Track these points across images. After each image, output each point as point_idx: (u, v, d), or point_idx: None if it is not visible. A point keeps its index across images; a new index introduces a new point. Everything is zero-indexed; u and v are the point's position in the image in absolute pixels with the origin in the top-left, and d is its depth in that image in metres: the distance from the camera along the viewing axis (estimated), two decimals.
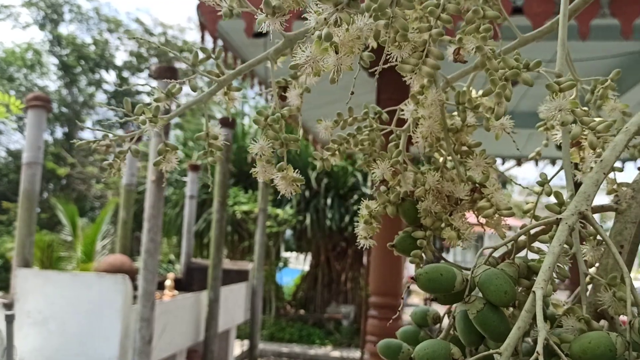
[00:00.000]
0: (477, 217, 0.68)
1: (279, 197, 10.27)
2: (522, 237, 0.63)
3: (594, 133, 0.51)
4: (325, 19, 0.43)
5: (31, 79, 20.26)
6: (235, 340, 7.80)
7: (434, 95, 0.68)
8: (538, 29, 0.75)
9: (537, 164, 6.94)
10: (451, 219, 0.66)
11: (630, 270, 0.70)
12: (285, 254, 11.92)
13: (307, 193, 10.35)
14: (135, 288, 4.61)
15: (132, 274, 4.92)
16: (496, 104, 0.51)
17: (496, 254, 0.60)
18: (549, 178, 0.63)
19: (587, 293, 0.59)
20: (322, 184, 10.30)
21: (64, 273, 5.13)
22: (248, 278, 7.65)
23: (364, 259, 11.02)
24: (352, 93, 0.62)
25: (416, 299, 15.83)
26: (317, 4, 0.42)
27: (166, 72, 4.50)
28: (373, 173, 0.69)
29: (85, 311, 4.26)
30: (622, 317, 0.55)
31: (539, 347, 0.46)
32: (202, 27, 3.90)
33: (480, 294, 0.54)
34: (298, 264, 12.95)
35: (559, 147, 0.70)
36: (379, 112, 0.78)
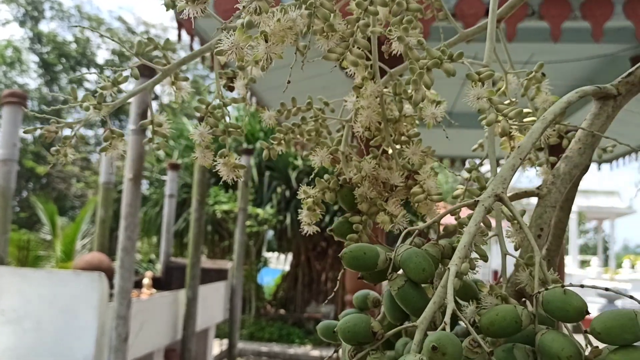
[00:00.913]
0: (412, 203, 0.71)
1: (259, 196, 10.28)
2: (453, 222, 0.66)
3: (505, 119, 0.54)
4: (245, 6, 0.46)
5: (10, 77, 20.03)
6: (215, 339, 7.79)
7: (373, 86, 0.71)
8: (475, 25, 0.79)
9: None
10: (385, 204, 0.69)
11: (558, 253, 0.73)
12: (266, 254, 11.92)
13: (287, 193, 10.36)
14: (112, 286, 4.60)
15: (110, 272, 4.91)
16: (413, 90, 0.54)
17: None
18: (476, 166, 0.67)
19: (509, 273, 0.62)
20: (303, 184, 10.32)
21: (40, 271, 5.09)
22: (227, 277, 7.64)
23: None
24: (289, 82, 0.65)
25: None
26: None
27: (144, 71, 4.49)
28: (313, 160, 0.72)
29: (61, 309, 4.24)
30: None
31: (447, 318, 0.49)
32: (179, 26, 3.91)
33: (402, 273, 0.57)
34: (279, 263, 12.96)
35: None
36: (326, 103, 0.81)
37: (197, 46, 4.32)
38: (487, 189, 0.57)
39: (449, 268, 0.54)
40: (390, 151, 0.75)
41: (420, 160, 0.72)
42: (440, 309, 0.54)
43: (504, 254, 0.61)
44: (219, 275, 7.45)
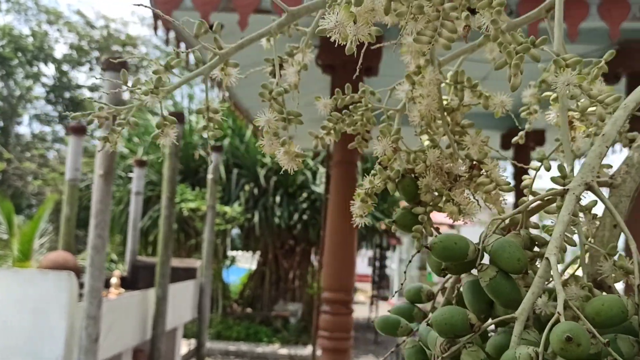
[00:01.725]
0: (474, 194, 0.70)
1: (227, 194, 10.18)
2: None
3: (602, 105, 0.53)
4: None
5: None
6: (182, 339, 7.68)
7: (432, 74, 0.70)
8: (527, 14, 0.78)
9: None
10: (452, 194, 0.67)
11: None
12: (232, 252, 11.81)
13: (255, 191, 10.29)
14: (80, 286, 4.47)
15: (77, 272, 4.77)
16: (513, 75, 0.52)
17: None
18: (546, 155, 0.66)
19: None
20: (271, 182, 10.27)
21: (5, 270, 4.92)
22: (196, 276, 7.54)
23: (312, 257, 11.06)
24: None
25: (362, 296, 16.01)
26: None
27: (117, 65, 4.38)
28: (375, 150, 0.69)
29: (29, 309, 4.10)
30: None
31: (560, 308, 0.48)
32: (155, 18, 3.83)
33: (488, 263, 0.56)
34: (245, 262, 12.87)
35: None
36: (372, 93, 0.78)
37: (184, 43, 4.23)
38: (576, 177, 0.56)
39: (547, 258, 0.52)
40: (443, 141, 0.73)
41: (480, 149, 0.70)
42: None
43: (583, 244, 0.60)
44: (188, 274, 7.34)
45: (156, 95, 0.62)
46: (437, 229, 0.71)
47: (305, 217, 10.17)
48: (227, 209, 9.78)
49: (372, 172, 0.74)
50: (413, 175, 0.70)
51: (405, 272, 0.77)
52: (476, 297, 0.57)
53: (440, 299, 0.73)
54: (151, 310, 5.84)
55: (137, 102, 0.64)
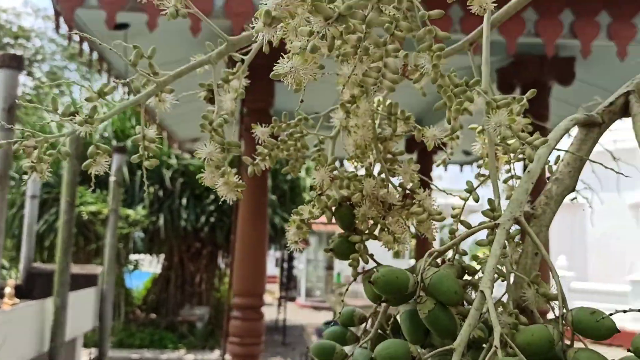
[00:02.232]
0: (405, 221, 0.72)
1: (130, 197, 9.83)
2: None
3: (530, 146, 0.57)
4: (311, 31, 0.44)
5: None
6: (82, 348, 7.33)
7: (367, 105, 0.72)
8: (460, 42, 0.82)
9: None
10: (387, 223, 0.69)
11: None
12: (135, 256, 11.41)
13: (160, 193, 10.00)
14: None
15: None
16: (453, 118, 0.55)
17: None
18: (474, 186, 0.70)
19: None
20: (177, 184, 10.03)
21: None
22: (97, 283, 7.22)
23: (220, 260, 10.91)
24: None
25: (269, 298, 16.00)
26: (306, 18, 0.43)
27: (11, 61, 4.11)
28: (313, 179, 0.70)
29: None
30: None
31: (496, 342, 0.51)
32: (57, 15, 3.63)
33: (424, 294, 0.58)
34: (149, 266, 12.48)
35: (466, 152, 0.77)
36: (305, 119, 0.80)
37: (87, 41, 4.03)
38: (506, 212, 0.60)
39: (482, 291, 0.55)
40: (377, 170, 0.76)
41: (411, 178, 0.73)
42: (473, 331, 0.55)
43: (509, 272, 0.64)
44: (89, 281, 7.01)
45: (91, 124, 0.60)
46: (371, 256, 0.73)
47: (212, 219, 10.01)
48: (130, 212, 9.44)
49: (308, 199, 0.75)
50: (349, 203, 0.72)
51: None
52: (414, 327, 0.60)
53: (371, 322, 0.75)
54: (49, 321, 5.53)
55: (70, 131, 0.61)
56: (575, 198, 1.57)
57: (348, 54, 0.55)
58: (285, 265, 13.37)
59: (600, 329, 0.52)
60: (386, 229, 0.70)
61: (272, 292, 16.91)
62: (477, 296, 0.55)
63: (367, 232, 0.71)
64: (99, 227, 9.10)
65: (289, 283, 13.52)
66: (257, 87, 4.33)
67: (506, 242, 0.68)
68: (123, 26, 3.83)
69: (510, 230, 0.60)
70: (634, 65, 3.64)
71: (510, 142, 0.59)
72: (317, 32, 0.44)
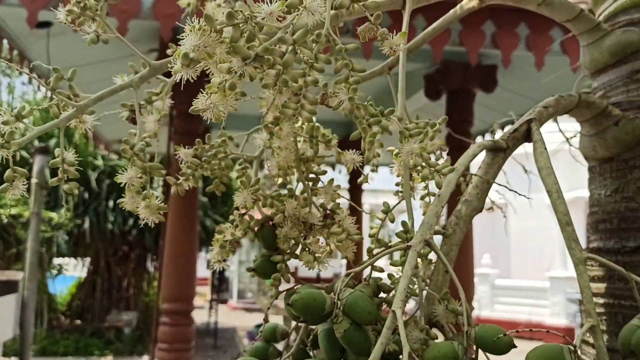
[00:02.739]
0: (327, 241, 0.75)
1: (53, 199, 9.45)
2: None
3: (439, 174, 0.61)
4: (230, 69, 0.46)
5: None
6: (2, 358, 6.99)
7: (289, 127, 0.74)
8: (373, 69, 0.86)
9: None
10: (308, 243, 0.72)
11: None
12: (58, 260, 10.98)
13: (86, 195, 9.67)
14: None
15: None
16: (368, 149, 0.58)
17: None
18: (391, 207, 0.73)
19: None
20: (104, 185, 9.73)
21: None
22: (17, 289, 6.90)
23: (149, 263, 10.66)
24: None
25: (200, 300, 15.77)
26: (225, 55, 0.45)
27: None
28: (236, 201, 0.72)
29: None
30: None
31: (404, 355, 0.54)
32: None
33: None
34: (75, 270, 12.04)
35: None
36: (230, 138, 0.81)
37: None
38: (417, 235, 0.64)
39: (393, 311, 0.59)
40: (299, 190, 0.78)
41: (332, 198, 0.76)
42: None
43: (422, 289, 0.68)
44: (8, 287, 6.69)
45: (8, 149, 0.59)
46: (293, 274, 0.75)
47: (141, 222, 9.76)
48: (53, 214, 9.08)
49: (231, 218, 0.76)
50: (271, 224, 0.74)
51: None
52: (331, 345, 0.63)
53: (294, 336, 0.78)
54: None
55: None
56: (491, 208, 1.66)
57: (268, 85, 0.57)
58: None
59: (499, 345, 0.56)
60: (307, 249, 0.72)
61: (203, 294, 16.68)
62: (389, 316, 0.59)
63: (288, 251, 0.73)
64: (19, 230, 8.70)
65: (220, 285, 13.38)
66: (187, 86, 4.29)
67: (419, 259, 0.73)
68: (45, 25, 3.70)
69: (422, 253, 0.63)
70: (550, 75, 3.84)
71: (421, 168, 0.63)
72: (235, 71, 0.46)
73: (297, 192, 0.77)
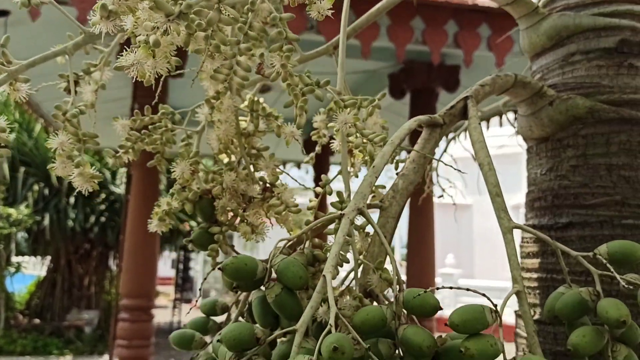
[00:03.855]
0: (267, 214, 0.76)
1: (12, 195, 9.23)
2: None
3: (371, 143, 0.61)
4: (154, 26, 0.46)
5: None
6: None
7: (230, 101, 0.74)
8: (322, 47, 0.86)
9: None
10: (246, 215, 0.72)
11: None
12: (17, 259, 10.72)
13: (46, 191, 9.47)
14: None
15: None
16: (299, 115, 0.59)
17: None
18: (329, 180, 0.74)
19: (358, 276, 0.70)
20: (64, 182, 9.53)
21: None
22: None
23: (111, 261, 10.49)
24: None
25: (164, 300, 15.59)
26: (148, 13, 0.45)
27: None
28: (173, 171, 0.72)
29: None
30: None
31: (331, 321, 0.55)
32: None
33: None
34: (33, 269, 11.77)
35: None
36: (171, 113, 0.81)
37: None
38: (350, 204, 0.65)
39: (324, 275, 0.60)
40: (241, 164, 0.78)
41: (273, 173, 0.76)
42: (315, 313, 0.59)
43: (357, 260, 0.69)
44: None
45: None
46: (231, 247, 0.75)
47: (103, 219, 9.61)
48: (12, 210, 8.86)
49: (171, 191, 0.76)
50: (210, 196, 0.74)
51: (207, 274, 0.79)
52: (264, 312, 0.63)
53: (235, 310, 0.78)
54: None
55: None
56: (442, 196, 1.68)
57: (200, 51, 0.57)
58: (181, 266, 13.08)
59: (425, 306, 0.57)
60: (245, 221, 0.72)
61: (167, 294, 16.48)
62: (320, 281, 0.59)
63: (227, 223, 0.73)
64: None
65: (184, 284, 13.25)
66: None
67: (357, 232, 0.73)
68: (3, 13, 3.61)
69: (356, 221, 0.64)
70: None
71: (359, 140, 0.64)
72: (158, 27, 0.46)
73: (238, 166, 0.77)
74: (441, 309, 0.58)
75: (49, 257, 10.40)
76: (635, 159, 0.77)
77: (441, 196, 1.73)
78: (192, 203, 0.73)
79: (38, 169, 9.53)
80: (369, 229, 0.74)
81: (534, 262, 0.81)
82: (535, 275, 0.81)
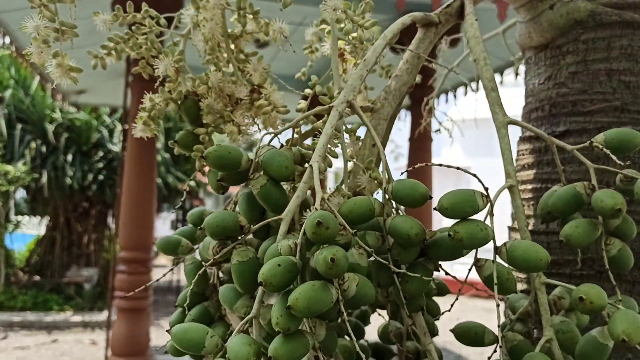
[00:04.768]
0: (255, 118, 0.73)
1: (9, 152, 9.19)
2: (296, 136, 0.70)
3: (363, 29, 0.59)
4: None
5: None
6: None
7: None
8: None
9: None
10: (232, 115, 0.70)
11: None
12: (16, 217, 10.75)
13: (43, 148, 9.42)
14: None
15: None
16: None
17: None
18: (318, 80, 0.71)
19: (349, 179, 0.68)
20: (62, 139, 9.47)
21: None
22: None
23: (109, 220, 10.52)
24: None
25: (164, 259, 15.72)
26: None
27: None
28: (156, 68, 0.69)
29: None
30: None
31: (317, 205, 0.53)
32: None
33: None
34: (33, 229, 11.81)
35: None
36: (156, 17, 0.77)
37: None
38: (340, 96, 0.62)
39: (311, 165, 0.58)
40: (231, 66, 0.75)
41: (262, 76, 0.74)
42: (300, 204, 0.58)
43: (346, 160, 0.67)
44: None
45: None
46: None
47: (101, 177, 9.58)
48: (9, 168, 8.83)
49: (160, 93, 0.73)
50: (196, 98, 0.72)
51: None
52: (250, 206, 0.61)
53: None
54: None
55: None
56: (439, 130, 1.66)
57: None
58: (180, 225, 13.13)
59: (414, 195, 0.55)
60: (231, 121, 0.70)
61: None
62: (306, 171, 0.57)
63: (213, 125, 0.71)
64: None
65: None
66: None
67: (347, 135, 0.71)
68: None
69: (343, 114, 0.62)
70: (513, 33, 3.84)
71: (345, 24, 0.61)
72: None
73: (227, 65, 0.74)
74: (431, 197, 0.56)
75: (48, 217, 10.42)
76: (636, 64, 0.74)
77: (438, 130, 1.71)
78: (176, 103, 0.70)
79: (35, 126, 9.46)
80: (360, 132, 0.72)
81: (529, 173, 0.79)
82: (530, 187, 0.79)
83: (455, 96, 6.41)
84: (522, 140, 0.82)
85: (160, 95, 0.69)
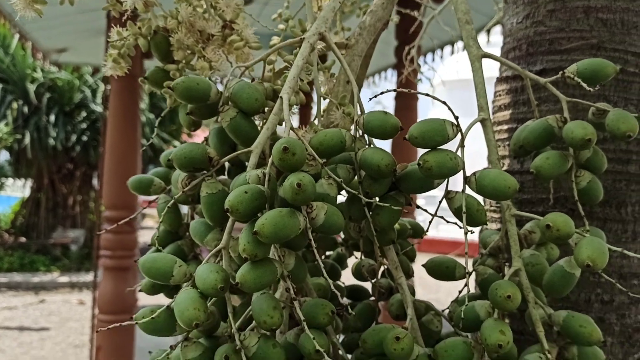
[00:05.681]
0: (227, 53, 0.72)
1: None
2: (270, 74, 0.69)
3: None
4: None
5: None
6: None
7: None
8: None
9: None
10: (204, 51, 0.68)
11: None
12: (0, 180, 10.66)
13: (25, 108, 9.27)
14: None
15: None
16: None
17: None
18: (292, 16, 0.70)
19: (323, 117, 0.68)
20: (44, 99, 9.32)
21: None
22: None
23: (94, 181, 10.45)
24: None
25: (150, 221, 15.72)
26: None
27: None
28: (125, 2, 0.67)
29: None
30: None
31: (286, 132, 0.52)
32: None
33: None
34: (17, 190, 11.71)
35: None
36: None
37: None
38: (312, 28, 0.61)
39: (281, 97, 0.57)
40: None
41: (234, 11, 0.72)
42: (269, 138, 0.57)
43: (320, 96, 0.66)
44: None
45: None
46: None
47: (85, 138, 9.48)
48: None
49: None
50: (166, 33, 0.70)
51: None
52: (220, 141, 0.61)
53: None
54: None
55: None
56: (420, 79, 1.65)
57: None
58: None
59: (385, 126, 0.55)
60: (202, 57, 0.69)
61: (153, 216, 16.58)
62: (277, 102, 0.57)
63: (184, 61, 0.69)
64: None
65: None
66: None
67: (321, 72, 0.70)
68: None
69: (315, 46, 0.61)
70: None
71: None
72: None
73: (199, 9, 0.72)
74: (402, 128, 0.56)
75: (32, 179, 10.33)
76: (614, 1, 0.73)
77: (419, 80, 1.69)
78: (145, 38, 0.69)
79: (16, 86, 9.29)
80: (334, 70, 0.71)
81: (505, 114, 0.79)
82: (505, 127, 0.79)
83: (442, 57, 6.35)
84: (499, 81, 0.82)
85: (129, 29, 0.67)
